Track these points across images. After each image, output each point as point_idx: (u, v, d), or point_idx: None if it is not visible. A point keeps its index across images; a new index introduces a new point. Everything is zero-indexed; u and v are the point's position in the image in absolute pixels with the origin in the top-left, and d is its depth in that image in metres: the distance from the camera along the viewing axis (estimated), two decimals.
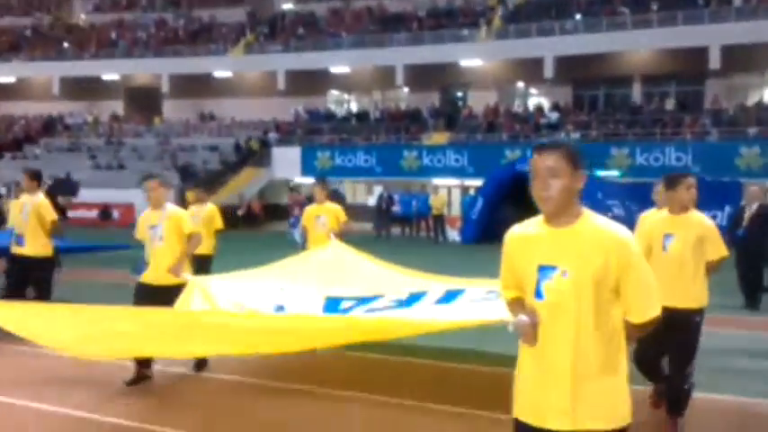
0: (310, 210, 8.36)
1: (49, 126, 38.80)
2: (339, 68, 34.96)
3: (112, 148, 34.93)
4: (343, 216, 8.27)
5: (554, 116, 30.13)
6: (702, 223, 4.77)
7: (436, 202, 23.52)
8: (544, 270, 2.40)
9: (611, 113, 30.15)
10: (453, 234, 22.82)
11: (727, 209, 15.96)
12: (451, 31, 33.42)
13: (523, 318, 2.43)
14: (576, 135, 28.46)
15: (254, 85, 37.75)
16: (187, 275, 5.75)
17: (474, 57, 32.61)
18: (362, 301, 6.12)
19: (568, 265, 2.36)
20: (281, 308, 5.83)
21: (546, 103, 32.84)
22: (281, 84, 35.61)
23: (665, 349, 4.83)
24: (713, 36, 27.75)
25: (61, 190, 14.01)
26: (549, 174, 2.40)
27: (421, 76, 33.39)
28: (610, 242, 2.35)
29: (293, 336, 4.64)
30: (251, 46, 37.45)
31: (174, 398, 5.70)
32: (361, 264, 7.09)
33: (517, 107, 33.31)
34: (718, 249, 4.78)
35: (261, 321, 4.94)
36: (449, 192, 29.98)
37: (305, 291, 6.32)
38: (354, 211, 30.18)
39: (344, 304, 6.05)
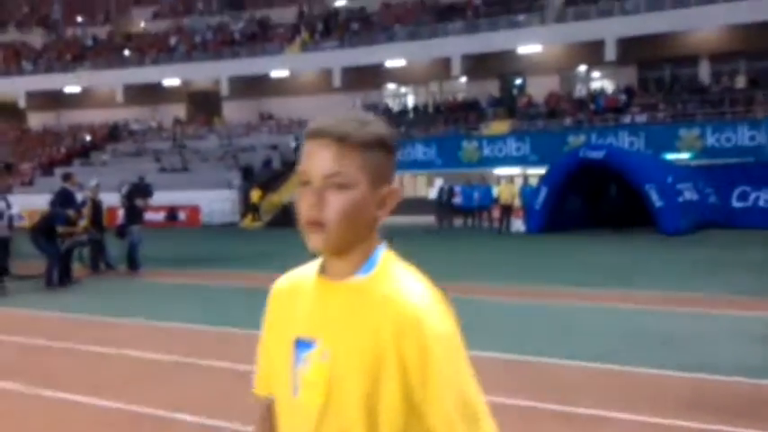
0: None
1: (115, 132, 39.84)
2: (394, 62, 34.72)
3: (176, 151, 35.60)
4: None
5: (621, 99, 29.24)
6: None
7: (504, 192, 22.96)
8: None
9: (678, 94, 29.09)
10: (518, 224, 22.34)
11: None
12: (507, 18, 32.78)
13: None
14: (642, 117, 27.57)
15: (311, 83, 37.87)
16: None
17: (532, 42, 31.90)
18: None
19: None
20: None
21: (609, 86, 31.92)
22: (336, 81, 35.61)
23: None
24: None
25: (139, 193, 14.64)
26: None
27: (478, 66, 32.87)
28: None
29: None
30: (306, 44, 37.59)
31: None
32: None
33: (579, 91, 32.47)
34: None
35: None
36: (510, 181, 29.39)
37: None
38: (416, 204, 30.35)
39: None
